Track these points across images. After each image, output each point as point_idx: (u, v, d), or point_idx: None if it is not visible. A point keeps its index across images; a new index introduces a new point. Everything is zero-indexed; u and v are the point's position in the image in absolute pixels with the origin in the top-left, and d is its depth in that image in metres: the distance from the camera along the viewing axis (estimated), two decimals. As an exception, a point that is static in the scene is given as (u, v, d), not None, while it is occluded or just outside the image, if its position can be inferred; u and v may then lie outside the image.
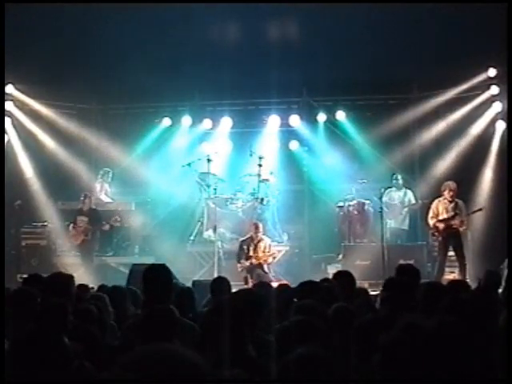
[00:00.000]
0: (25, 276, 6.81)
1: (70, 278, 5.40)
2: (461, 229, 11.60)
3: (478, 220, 12.38)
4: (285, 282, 9.72)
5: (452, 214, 11.53)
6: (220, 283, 6.66)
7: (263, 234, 12.35)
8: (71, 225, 13.10)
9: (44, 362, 2.96)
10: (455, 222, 11.52)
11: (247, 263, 11.97)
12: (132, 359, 1.57)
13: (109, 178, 14.56)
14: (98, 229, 13.14)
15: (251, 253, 12.01)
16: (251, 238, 12.18)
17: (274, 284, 7.84)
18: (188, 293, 6.14)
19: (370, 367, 1.75)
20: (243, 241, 12.29)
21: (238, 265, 12.03)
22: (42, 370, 2.93)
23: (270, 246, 12.24)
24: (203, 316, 4.53)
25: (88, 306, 5.03)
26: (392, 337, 1.64)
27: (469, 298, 4.30)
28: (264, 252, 12.04)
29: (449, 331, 1.62)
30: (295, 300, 5.37)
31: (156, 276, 4.68)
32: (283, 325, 3.30)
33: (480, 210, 12.21)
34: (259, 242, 12.11)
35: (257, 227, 12.23)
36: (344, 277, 6.08)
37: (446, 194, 11.61)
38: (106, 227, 13.14)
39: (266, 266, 12.03)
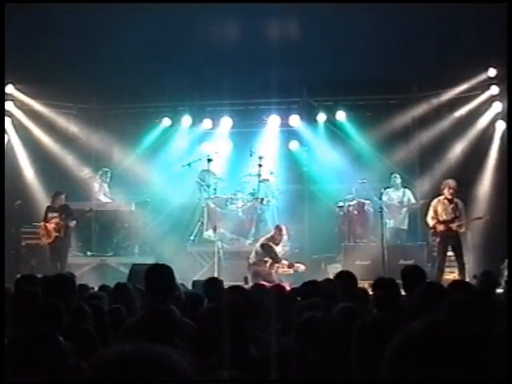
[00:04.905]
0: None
1: (71, 277, 5.40)
2: (460, 231, 11.59)
3: (478, 221, 12.36)
4: (285, 283, 9.71)
5: (452, 216, 11.51)
6: (214, 284, 6.69)
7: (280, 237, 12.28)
8: (42, 223, 12.63)
9: (39, 362, 2.96)
10: (455, 225, 11.49)
11: (285, 262, 11.90)
12: (106, 358, 1.56)
13: (107, 178, 14.52)
14: (70, 223, 12.60)
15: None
16: (273, 238, 12.09)
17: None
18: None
19: (374, 368, 1.75)
20: (266, 242, 11.98)
21: (279, 264, 11.80)
22: (38, 369, 2.92)
23: (282, 247, 12.31)
24: (204, 316, 4.53)
25: (81, 304, 5.00)
26: (407, 336, 1.64)
27: (469, 298, 4.30)
28: (279, 253, 12.08)
29: (458, 331, 1.62)
30: (299, 299, 5.39)
31: (159, 276, 4.68)
32: (306, 317, 3.29)
33: (480, 218, 12.16)
34: (279, 242, 12.08)
35: (280, 230, 12.14)
36: (346, 277, 6.09)
37: (446, 192, 11.58)
38: (72, 224, 12.64)
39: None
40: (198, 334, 4.44)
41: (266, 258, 11.87)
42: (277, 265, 11.82)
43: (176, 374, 1.52)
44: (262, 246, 11.97)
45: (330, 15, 11.94)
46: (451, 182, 11.62)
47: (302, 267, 12.02)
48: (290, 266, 11.94)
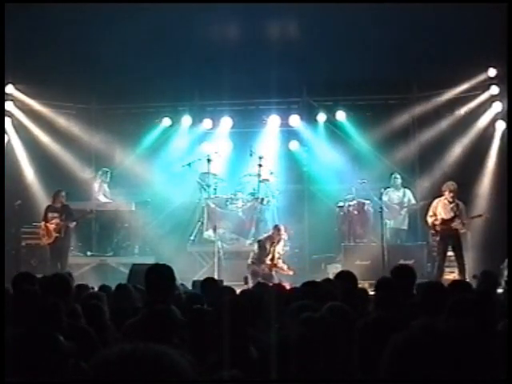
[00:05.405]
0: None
1: (67, 277, 5.40)
2: (461, 231, 11.58)
3: (478, 220, 12.37)
4: (285, 283, 9.70)
5: (452, 215, 11.50)
6: (211, 284, 6.68)
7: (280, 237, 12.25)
8: (42, 223, 12.56)
9: (39, 362, 2.96)
10: (455, 224, 11.49)
11: (269, 262, 11.89)
12: (106, 358, 1.56)
13: (107, 178, 14.50)
14: (70, 224, 12.52)
15: (271, 252, 11.96)
16: (271, 238, 12.09)
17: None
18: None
19: (375, 367, 1.74)
20: (262, 240, 12.09)
21: (262, 265, 11.82)
22: (38, 369, 2.92)
23: (282, 247, 12.30)
24: (204, 316, 4.52)
25: (73, 305, 4.99)
26: (406, 337, 1.63)
27: (469, 298, 4.30)
28: (279, 253, 12.06)
29: (457, 332, 1.61)
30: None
31: (159, 276, 4.68)
32: (305, 317, 3.28)
33: (480, 216, 12.18)
34: (278, 242, 12.07)
35: (279, 229, 12.14)
36: (346, 277, 6.08)
37: (447, 194, 11.58)
38: (72, 225, 12.58)
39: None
40: (198, 333, 4.44)
41: (264, 258, 11.91)
42: (262, 265, 11.86)
43: (176, 374, 1.52)
44: (259, 245, 12.03)
45: (330, 15, 11.93)
46: (451, 185, 11.62)
47: (286, 271, 12.03)
48: (274, 265, 11.95)
